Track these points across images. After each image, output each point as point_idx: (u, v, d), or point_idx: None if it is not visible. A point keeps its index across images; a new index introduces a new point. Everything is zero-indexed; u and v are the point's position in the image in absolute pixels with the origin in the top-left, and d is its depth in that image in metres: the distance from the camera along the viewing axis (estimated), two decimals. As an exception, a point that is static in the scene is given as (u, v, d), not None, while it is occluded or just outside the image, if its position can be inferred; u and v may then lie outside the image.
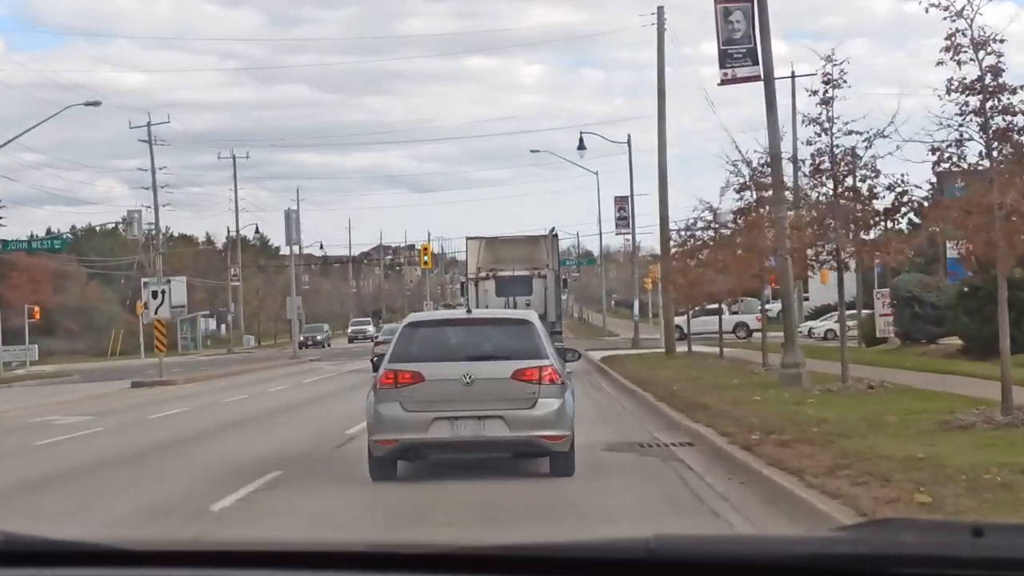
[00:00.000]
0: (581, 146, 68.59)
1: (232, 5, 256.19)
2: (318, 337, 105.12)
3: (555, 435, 15.70)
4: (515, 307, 41.09)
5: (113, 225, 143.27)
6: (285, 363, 70.04)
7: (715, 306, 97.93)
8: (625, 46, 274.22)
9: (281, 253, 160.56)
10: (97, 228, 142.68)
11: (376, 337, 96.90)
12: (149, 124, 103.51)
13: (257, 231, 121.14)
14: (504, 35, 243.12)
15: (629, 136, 68.58)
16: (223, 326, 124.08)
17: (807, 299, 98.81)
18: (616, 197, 71.66)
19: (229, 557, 2.87)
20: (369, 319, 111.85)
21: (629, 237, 70.72)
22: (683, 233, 49.25)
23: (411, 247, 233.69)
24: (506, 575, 2.70)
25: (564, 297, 66.13)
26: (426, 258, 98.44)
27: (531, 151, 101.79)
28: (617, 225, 71.60)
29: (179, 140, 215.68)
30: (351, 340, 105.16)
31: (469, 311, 19.05)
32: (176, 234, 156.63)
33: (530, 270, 46.66)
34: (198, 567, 2.81)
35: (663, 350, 59.97)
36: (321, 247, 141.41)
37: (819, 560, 2.62)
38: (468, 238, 49.59)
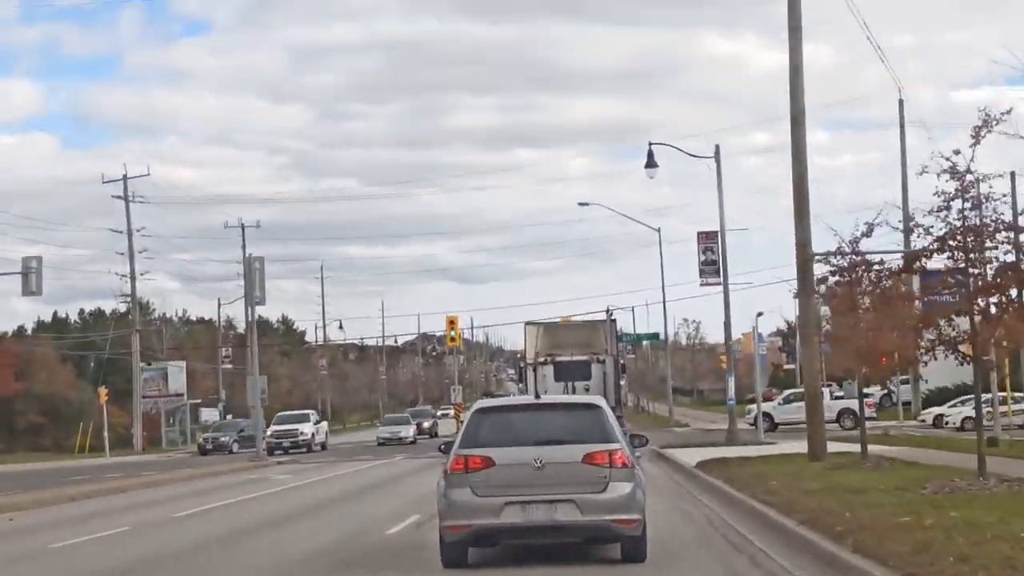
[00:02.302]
0: (651, 163, 46.54)
1: (280, 101, 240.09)
2: (221, 439, 70.27)
3: (627, 519, 14.72)
4: (574, 392, 39.88)
5: (125, 309, 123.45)
6: (235, 470, 47.37)
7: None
8: (671, 136, 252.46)
9: (307, 340, 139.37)
10: (108, 312, 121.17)
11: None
12: (125, 178, 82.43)
13: (246, 305, 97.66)
14: (550, 128, 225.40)
15: (717, 147, 46.40)
16: (229, 416, 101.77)
17: (925, 381, 76.53)
18: (701, 234, 49.15)
19: None
20: (310, 414, 70.97)
21: (714, 290, 47.45)
22: (844, 256, 26.84)
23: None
24: None
25: (623, 383, 54.13)
26: (452, 333, 76.37)
27: (579, 204, 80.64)
28: (702, 273, 49.02)
29: (228, 233, 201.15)
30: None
31: (538, 396, 18.12)
32: (194, 318, 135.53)
33: (589, 355, 44.38)
34: None
35: (771, 446, 38.31)
36: (340, 327, 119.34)
37: None
38: (526, 323, 47.09)
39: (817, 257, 29.17)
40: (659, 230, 79.62)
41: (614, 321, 52.40)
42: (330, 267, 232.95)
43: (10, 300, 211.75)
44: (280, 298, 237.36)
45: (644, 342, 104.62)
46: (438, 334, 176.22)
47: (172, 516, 25.53)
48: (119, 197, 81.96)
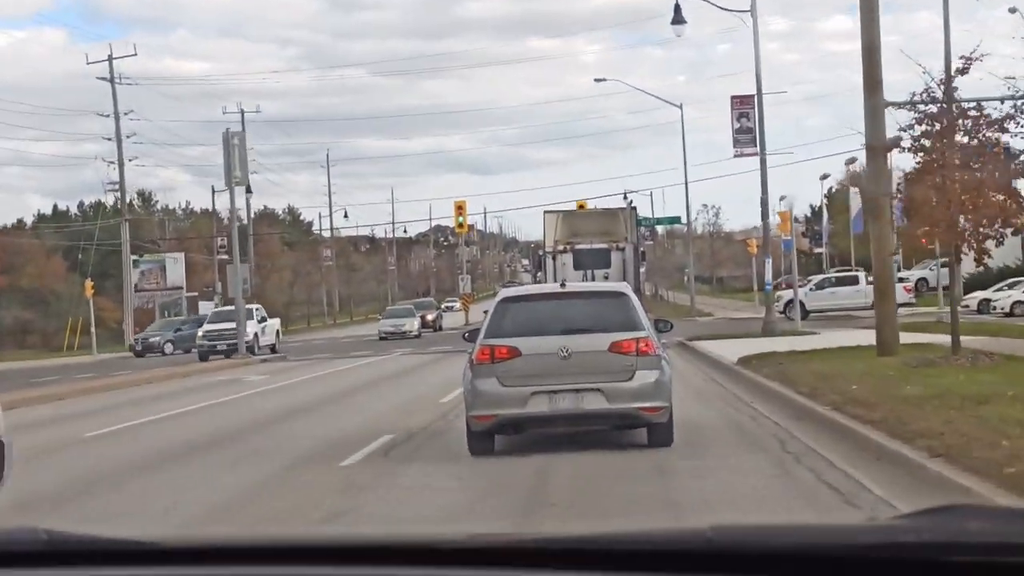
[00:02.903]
0: (678, 19, 40.38)
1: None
2: (151, 339, 61.90)
3: (654, 406, 14.36)
4: (593, 280, 38.95)
5: (129, 201, 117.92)
6: (209, 370, 41.91)
7: (849, 271, 69.79)
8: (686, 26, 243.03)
9: (315, 230, 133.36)
10: (108, 205, 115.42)
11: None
12: (111, 58, 76.20)
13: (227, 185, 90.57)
14: (563, 16, 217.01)
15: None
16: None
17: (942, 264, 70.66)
18: (735, 98, 42.27)
19: (265, 552, 2.73)
20: (254, 309, 54.46)
21: (753, 159, 41.04)
22: (934, 102, 21.07)
23: (470, 227, 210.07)
24: (565, 566, 2.50)
25: (642, 271, 52.83)
26: (461, 220, 70.45)
27: (596, 80, 72.99)
28: (736, 143, 42.43)
29: (238, 126, 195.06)
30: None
31: (563, 284, 16.60)
32: (198, 209, 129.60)
33: (608, 243, 43.88)
34: (238, 564, 2.62)
35: (815, 336, 33.15)
36: (345, 215, 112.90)
37: (883, 549, 2.43)
38: (545, 211, 46.71)
39: (894, 106, 23.17)
40: (680, 106, 73.10)
41: (634, 208, 51.91)
42: (342, 160, 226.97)
43: (23, 195, 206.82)
44: (292, 190, 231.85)
45: (661, 228, 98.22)
46: (451, 225, 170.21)
47: (83, 436, 19.84)
48: (104, 79, 75.84)
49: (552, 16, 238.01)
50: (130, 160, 78.05)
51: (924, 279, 72.45)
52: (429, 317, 66.57)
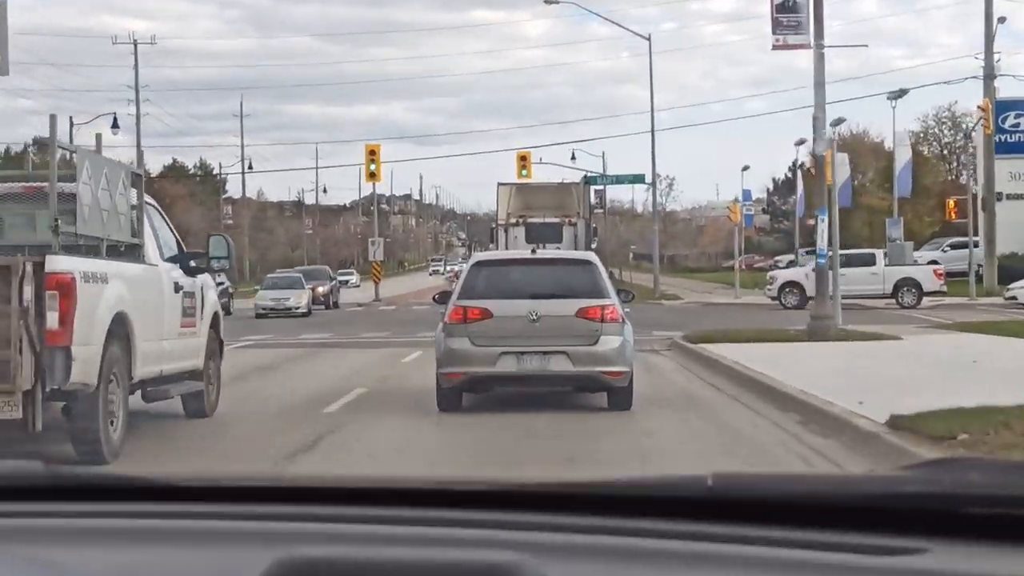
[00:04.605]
0: None
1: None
2: None
3: (616, 371, 14.69)
4: None
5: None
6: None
7: (863, 251, 55.28)
8: (632, 2, 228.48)
9: (228, 189, 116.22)
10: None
11: None
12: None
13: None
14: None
15: None
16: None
17: (976, 244, 56.18)
18: None
19: (268, 492, 2.66)
20: None
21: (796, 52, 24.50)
22: None
23: (406, 197, 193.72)
24: (563, 511, 2.40)
25: (594, 246, 45.85)
26: (373, 167, 54.04)
27: (546, 2, 58.53)
28: (776, 26, 25.09)
29: (180, 88, 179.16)
30: None
31: (534, 251, 18.03)
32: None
33: (560, 217, 43.69)
34: (248, 503, 2.56)
35: (894, 342, 18.23)
36: (250, 166, 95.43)
37: (887, 499, 2.32)
38: (499, 184, 45.76)
39: None
40: (649, 37, 56.87)
41: (588, 183, 52.20)
42: (280, 126, 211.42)
43: None
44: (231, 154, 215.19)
45: (628, 183, 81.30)
46: (387, 194, 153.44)
47: None
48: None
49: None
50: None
51: (935, 262, 56.63)
52: (321, 290, 49.13)
